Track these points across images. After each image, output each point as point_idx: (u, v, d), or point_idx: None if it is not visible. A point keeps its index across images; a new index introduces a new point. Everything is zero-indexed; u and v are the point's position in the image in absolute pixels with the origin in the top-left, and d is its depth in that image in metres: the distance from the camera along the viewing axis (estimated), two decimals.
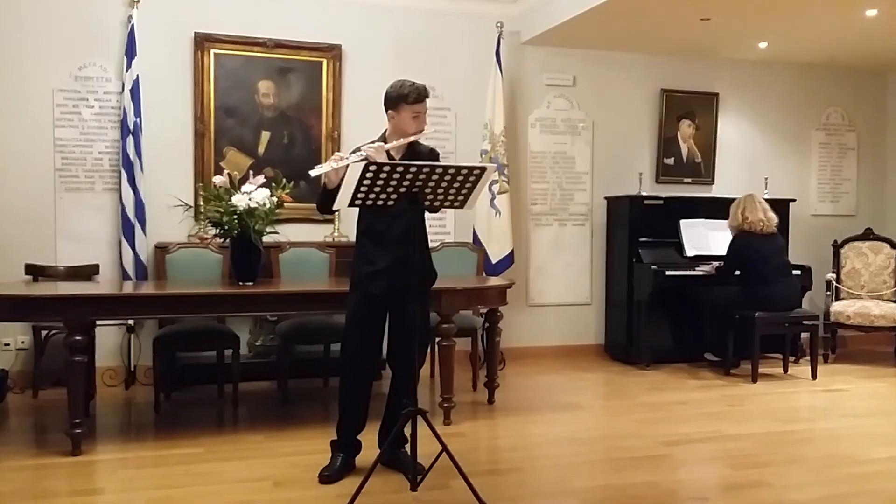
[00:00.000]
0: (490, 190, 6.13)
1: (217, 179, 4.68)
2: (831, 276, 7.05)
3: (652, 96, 7.05)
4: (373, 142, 3.65)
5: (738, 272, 6.05)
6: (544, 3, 6.23)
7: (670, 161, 7.11)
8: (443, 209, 3.51)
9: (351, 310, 3.71)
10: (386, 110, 3.67)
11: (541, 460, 4.06)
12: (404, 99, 3.58)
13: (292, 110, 6.04)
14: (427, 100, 3.64)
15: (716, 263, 6.21)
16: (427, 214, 3.65)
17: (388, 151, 3.58)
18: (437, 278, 3.83)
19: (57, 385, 5.04)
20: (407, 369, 3.56)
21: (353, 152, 3.61)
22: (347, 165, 3.48)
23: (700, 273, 6.28)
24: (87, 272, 5.45)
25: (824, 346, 6.77)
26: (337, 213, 5.85)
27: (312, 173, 3.60)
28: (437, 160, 3.73)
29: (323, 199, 3.65)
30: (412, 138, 3.63)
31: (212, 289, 4.54)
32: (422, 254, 3.59)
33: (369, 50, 6.16)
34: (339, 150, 3.76)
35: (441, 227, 6.39)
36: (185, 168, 5.79)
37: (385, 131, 3.72)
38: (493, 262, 6.21)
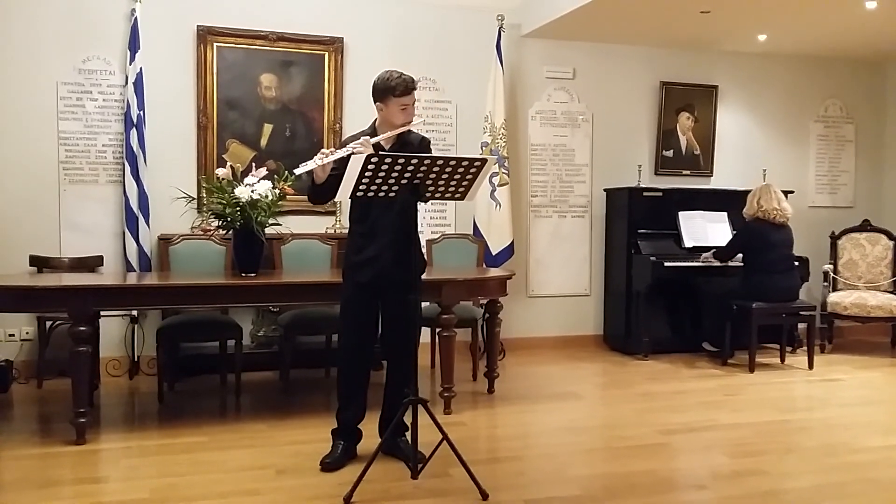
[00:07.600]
0: (490, 182, 6.16)
1: (220, 172, 4.71)
2: (828, 267, 7.09)
3: (651, 89, 7.07)
4: (362, 132, 3.69)
5: (740, 256, 6.06)
6: None
7: (669, 153, 7.14)
8: (443, 201, 3.52)
9: (343, 299, 3.75)
10: (374, 101, 3.67)
11: (540, 449, 4.10)
12: (391, 92, 3.58)
13: (294, 103, 6.06)
14: (415, 91, 3.62)
15: (714, 251, 6.24)
16: (425, 206, 3.67)
17: (378, 143, 3.60)
18: (426, 267, 3.83)
19: (61, 375, 5.08)
20: (401, 359, 3.60)
21: (341, 146, 3.65)
22: (333, 161, 3.53)
23: (699, 264, 6.31)
24: (92, 263, 5.50)
25: (821, 337, 6.81)
26: (339, 206, 5.90)
27: (297, 171, 3.65)
28: (429, 148, 3.76)
29: (314, 193, 3.69)
30: (400, 130, 3.65)
31: (215, 280, 4.57)
32: (410, 243, 3.54)
33: (371, 43, 6.17)
34: (341, 143, 3.79)
35: (442, 218, 6.42)
36: (189, 160, 5.82)
37: (375, 121, 3.73)
38: (494, 253, 6.24)
